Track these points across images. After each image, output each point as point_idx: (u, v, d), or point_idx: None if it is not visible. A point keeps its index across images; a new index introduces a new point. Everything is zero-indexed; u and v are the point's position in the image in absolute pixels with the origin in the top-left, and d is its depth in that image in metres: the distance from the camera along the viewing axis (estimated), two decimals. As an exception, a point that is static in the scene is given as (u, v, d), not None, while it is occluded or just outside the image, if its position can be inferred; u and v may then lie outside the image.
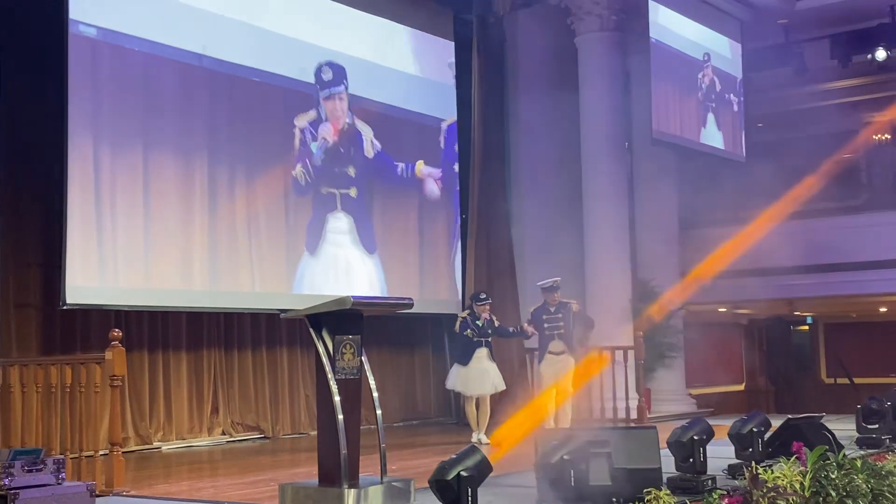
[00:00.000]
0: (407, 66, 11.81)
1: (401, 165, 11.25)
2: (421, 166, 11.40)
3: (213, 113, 9.64)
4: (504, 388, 9.73)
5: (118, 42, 8.98)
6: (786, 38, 14.90)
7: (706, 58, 13.18)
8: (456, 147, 12.09)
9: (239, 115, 9.83)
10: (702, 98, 13.27)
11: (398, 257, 11.53)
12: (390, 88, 11.34)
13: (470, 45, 12.68)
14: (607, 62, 12.73)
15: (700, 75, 13.16)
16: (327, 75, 10.10)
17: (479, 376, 9.39)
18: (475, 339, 9.36)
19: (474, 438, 9.30)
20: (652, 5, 12.37)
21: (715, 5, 13.70)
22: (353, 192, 10.67)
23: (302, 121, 10.10)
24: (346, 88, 10.49)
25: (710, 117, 13.34)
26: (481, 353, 9.41)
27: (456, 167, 12.53)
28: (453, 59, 12.42)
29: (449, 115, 12.02)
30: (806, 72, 14.98)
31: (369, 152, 10.94)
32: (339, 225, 10.69)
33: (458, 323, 9.56)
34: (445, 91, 12.29)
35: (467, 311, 9.64)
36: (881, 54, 14.36)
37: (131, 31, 9.02)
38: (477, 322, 9.36)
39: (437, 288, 12.10)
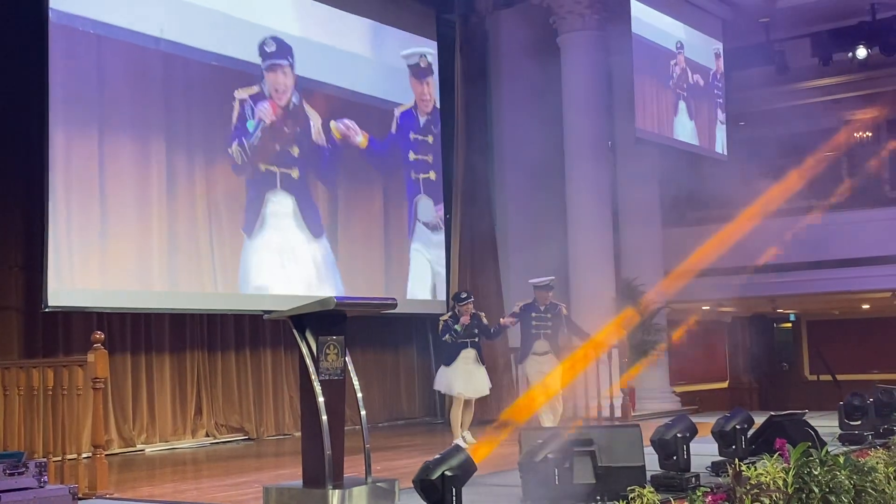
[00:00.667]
0: (364, 50, 11.43)
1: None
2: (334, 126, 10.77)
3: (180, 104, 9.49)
4: (488, 392, 9.59)
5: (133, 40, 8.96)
6: (767, 37, 14.97)
7: (679, 46, 13.18)
8: (411, 135, 11.71)
9: (198, 101, 9.62)
10: (673, 86, 13.27)
11: (357, 244, 11.24)
12: (346, 73, 10.95)
13: (452, 45, 12.68)
14: (589, 61, 12.75)
15: (672, 63, 13.14)
16: (270, 48, 9.70)
17: (464, 377, 9.26)
18: (459, 342, 9.24)
19: (459, 442, 9.20)
20: (634, 4, 12.40)
21: (696, 4, 13.75)
22: (294, 174, 10.25)
23: (242, 93, 9.67)
24: (292, 65, 10.02)
25: (682, 105, 13.32)
26: (468, 354, 9.26)
27: (429, 158, 12.39)
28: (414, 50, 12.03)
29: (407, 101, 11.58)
30: (787, 70, 15.06)
31: (319, 138, 10.61)
32: (280, 208, 10.24)
33: (440, 326, 9.43)
34: (400, 75, 11.85)
35: (449, 314, 9.50)
36: (861, 52, 14.45)
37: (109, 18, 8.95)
38: (456, 327, 9.20)
39: (408, 284, 11.99)
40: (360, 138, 10.81)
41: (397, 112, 11.29)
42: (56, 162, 8.50)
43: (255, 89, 9.89)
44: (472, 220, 12.58)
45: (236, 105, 9.66)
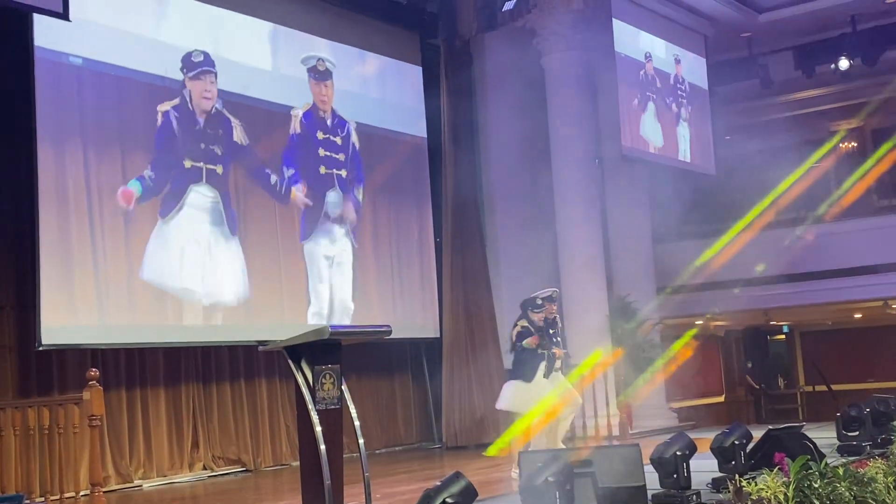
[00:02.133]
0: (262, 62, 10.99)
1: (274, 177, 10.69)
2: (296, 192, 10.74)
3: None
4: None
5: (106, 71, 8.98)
6: (750, 51, 15.08)
7: (647, 56, 13.24)
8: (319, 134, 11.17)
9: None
10: (657, 99, 13.31)
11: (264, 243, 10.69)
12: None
13: (438, 69, 12.74)
14: (574, 81, 12.81)
15: (641, 72, 13.18)
16: (198, 58, 9.67)
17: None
18: (540, 352, 8.31)
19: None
20: (616, 23, 12.48)
21: (678, 21, 13.84)
22: (219, 170, 9.98)
23: (165, 106, 9.56)
24: (216, 75, 9.94)
25: (651, 106, 13.34)
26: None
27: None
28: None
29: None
30: (771, 83, 15.17)
31: (241, 140, 10.31)
32: (201, 199, 9.89)
33: (514, 332, 8.43)
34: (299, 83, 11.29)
35: (524, 321, 8.43)
36: (844, 63, 14.57)
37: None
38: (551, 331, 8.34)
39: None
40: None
41: (298, 113, 11.01)
42: (45, 199, 8.49)
43: (175, 101, 9.70)
44: (463, 243, 12.58)
45: (160, 116, 9.52)
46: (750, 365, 20.47)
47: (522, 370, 8.32)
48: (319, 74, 10.88)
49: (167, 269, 9.47)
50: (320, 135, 11.07)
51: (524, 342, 8.22)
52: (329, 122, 11.05)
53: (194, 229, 9.77)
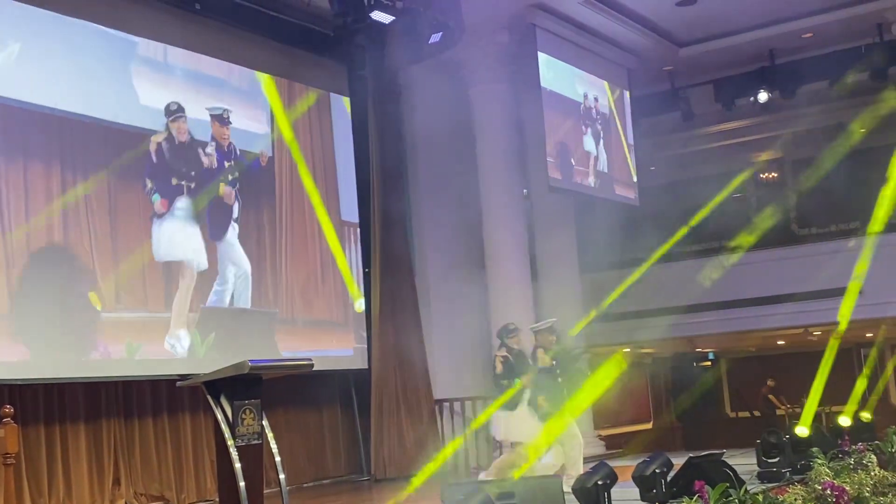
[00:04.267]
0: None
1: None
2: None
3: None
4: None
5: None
6: (672, 84, 15.40)
7: (573, 89, 13.47)
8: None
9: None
10: (583, 130, 13.53)
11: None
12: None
13: (366, 101, 12.76)
14: (501, 112, 12.95)
15: (567, 104, 13.38)
16: (174, 107, 10.34)
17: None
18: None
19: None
20: (541, 56, 12.65)
21: (602, 55, 14.08)
22: (192, 185, 10.54)
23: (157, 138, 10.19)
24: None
25: (596, 148, 13.57)
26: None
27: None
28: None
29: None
30: (692, 116, 15.50)
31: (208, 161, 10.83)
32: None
33: (500, 365, 8.74)
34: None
35: (504, 350, 8.79)
36: (763, 96, 14.97)
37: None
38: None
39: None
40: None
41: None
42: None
43: (164, 134, 10.25)
44: (391, 272, 12.58)
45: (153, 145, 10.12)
46: (771, 383, 20.25)
47: (510, 400, 8.61)
48: (223, 120, 11.05)
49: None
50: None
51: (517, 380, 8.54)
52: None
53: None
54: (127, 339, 9.75)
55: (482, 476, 8.77)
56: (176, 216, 10.32)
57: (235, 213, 11.05)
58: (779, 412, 19.47)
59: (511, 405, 8.59)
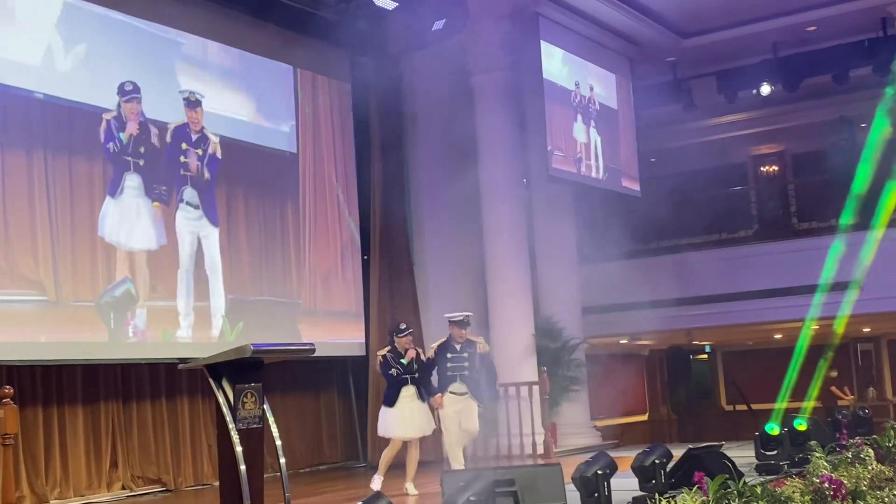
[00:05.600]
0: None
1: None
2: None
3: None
4: (431, 431, 9.01)
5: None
6: (674, 76, 15.35)
7: (575, 80, 13.42)
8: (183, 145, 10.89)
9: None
10: (584, 121, 13.50)
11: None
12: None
13: (367, 87, 12.72)
14: (502, 101, 12.90)
15: (569, 94, 13.34)
16: (129, 87, 10.04)
17: (406, 417, 8.72)
18: (400, 377, 8.70)
19: (375, 485, 8.76)
20: (544, 45, 12.61)
21: (604, 44, 14.04)
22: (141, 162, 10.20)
23: (107, 115, 9.85)
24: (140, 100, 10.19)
25: (579, 126, 13.52)
26: (409, 392, 8.73)
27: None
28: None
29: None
30: (694, 107, 15.46)
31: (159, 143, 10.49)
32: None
33: (378, 362, 8.92)
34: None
35: (387, 348, 8.90)
36: (766, 89, 14.93)
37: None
38: (402, 361, 8.71)
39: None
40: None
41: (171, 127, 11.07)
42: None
43: (113, 112, 9.96)
44: (390, 261, 12.57)
45: (102, 123, 9.82)
46: (835, 374, 19.85)
47: (386, 396, 8.83)
48: (192, 103, 10.88)
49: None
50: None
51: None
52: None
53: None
54: (163, 326, 10.06)
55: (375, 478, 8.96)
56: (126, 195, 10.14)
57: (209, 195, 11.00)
58: (841, 403, 19.24)
59: (388, 402, 8.76)
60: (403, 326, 8.99)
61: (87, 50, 9.74)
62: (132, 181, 10.03)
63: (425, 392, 8.90)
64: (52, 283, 9.13)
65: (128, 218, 9.95)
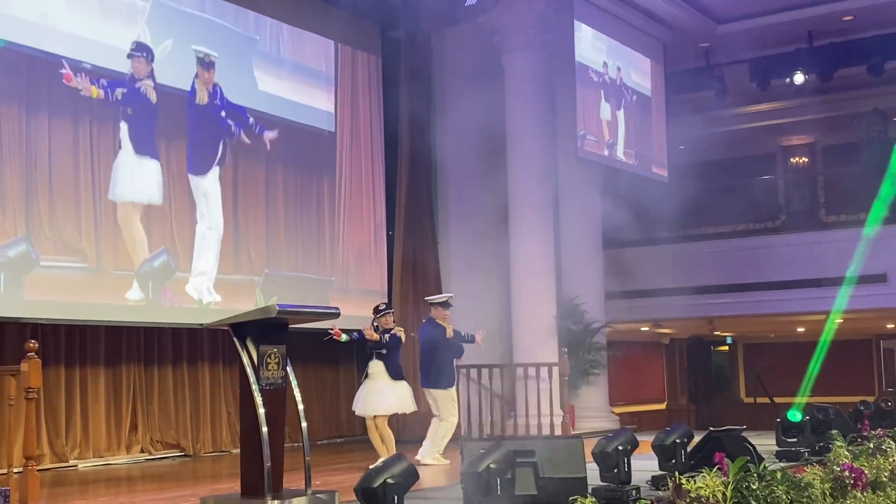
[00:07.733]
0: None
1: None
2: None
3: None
4: (400, 410, 9.11)
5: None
6: (707, 62, 15.21)
7: (605, 62, 13.33)
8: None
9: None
10: (614, 103, 13.41)
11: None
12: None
13: (397, 61, 12.68)
14: (533, 81, 12.78)
15: (600, 76, 13.24)
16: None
17: (368, 394, 8.89)
18: (368, 351, 8.85)
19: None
20: (577, 24, 12.52)
21: (638, 27, 13.92)
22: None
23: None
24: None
25: (609, 108, 13.43)
26: (375, 369, 8.83)
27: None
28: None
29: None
30: (726, 95, 15.31)
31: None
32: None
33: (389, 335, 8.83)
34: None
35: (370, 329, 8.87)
36: (799, 78, 14.77)
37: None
38: (385, 335, 8.72)
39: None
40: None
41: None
42: None
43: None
44: (414, 238, 12.57)
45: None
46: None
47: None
48: (206, 64, 10.79)
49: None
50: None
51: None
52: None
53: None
54: (198, 297, 10.19)
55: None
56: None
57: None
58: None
59: (364, 380, 8.94)
60: (382, 308, 9.04)
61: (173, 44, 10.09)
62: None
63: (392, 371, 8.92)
64: (93, 251, 9.18)
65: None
